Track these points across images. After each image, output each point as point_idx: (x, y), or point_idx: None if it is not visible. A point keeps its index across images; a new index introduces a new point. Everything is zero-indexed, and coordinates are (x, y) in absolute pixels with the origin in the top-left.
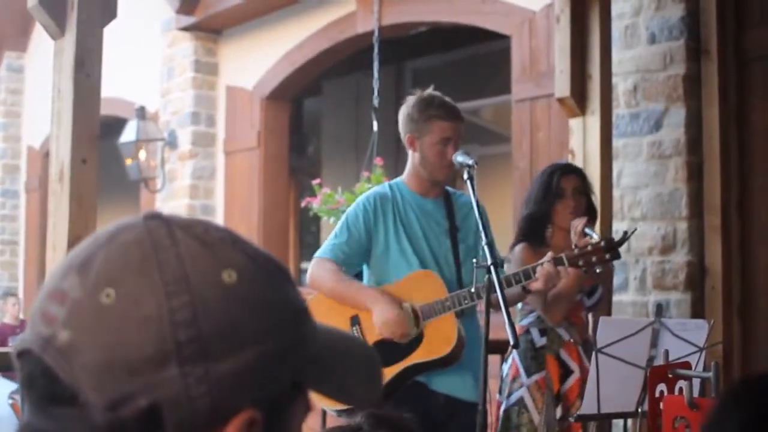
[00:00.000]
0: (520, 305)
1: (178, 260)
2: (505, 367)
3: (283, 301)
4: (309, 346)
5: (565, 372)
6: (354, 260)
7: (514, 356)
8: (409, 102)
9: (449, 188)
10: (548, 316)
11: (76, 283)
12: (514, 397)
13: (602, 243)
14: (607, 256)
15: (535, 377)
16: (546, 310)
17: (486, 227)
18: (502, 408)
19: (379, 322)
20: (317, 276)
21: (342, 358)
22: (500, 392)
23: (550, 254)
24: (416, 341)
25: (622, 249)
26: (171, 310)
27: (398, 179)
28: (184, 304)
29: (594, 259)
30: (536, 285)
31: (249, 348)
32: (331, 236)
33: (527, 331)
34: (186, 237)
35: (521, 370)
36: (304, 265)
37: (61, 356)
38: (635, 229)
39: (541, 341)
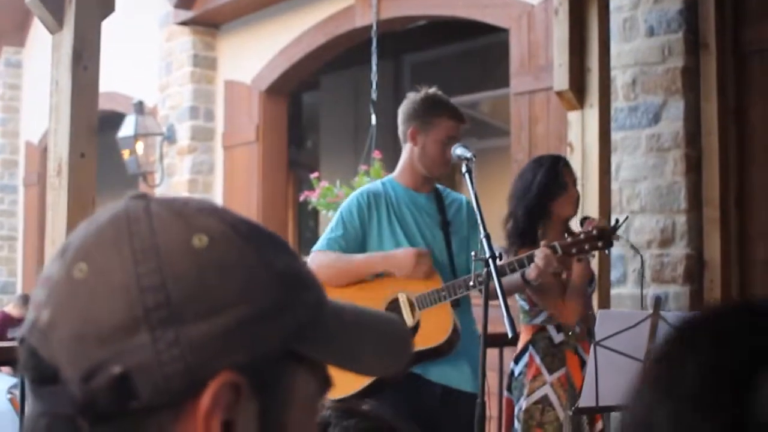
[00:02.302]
0: (527, 306)
1: (150, 231)
2: (519, 365)
3: (266, 264)
4: (302, 312)
5: (583, 365)
6: (350, 253)
7: (531, 354)
8: (415, 97)
9: (438, 186)
10: (563, 317)
11: (57, 265)
12: (536, 395)
13: (595, 231)
14: (600, 243)
15: (557, 374)
16: (561, 310)
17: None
18: (522, 406)
19: (404, 271)
20: (318, 265)
21: (355, 327)
22: (509, 389)
23: (543, 242)
24: (413, 331)
25: (620, 242)
26: (138, 277)
27: (389, 177)
28: (152, 269)
29: (587, 246)
30: (533, 272)
31: (223, 311)
32: (326, 231)
33: (543, 329)
34: (161, 210)
35: (543, 368)
36: (302, 258)
37: (42, 335)
38: (627, 218)
39: (558, 337)
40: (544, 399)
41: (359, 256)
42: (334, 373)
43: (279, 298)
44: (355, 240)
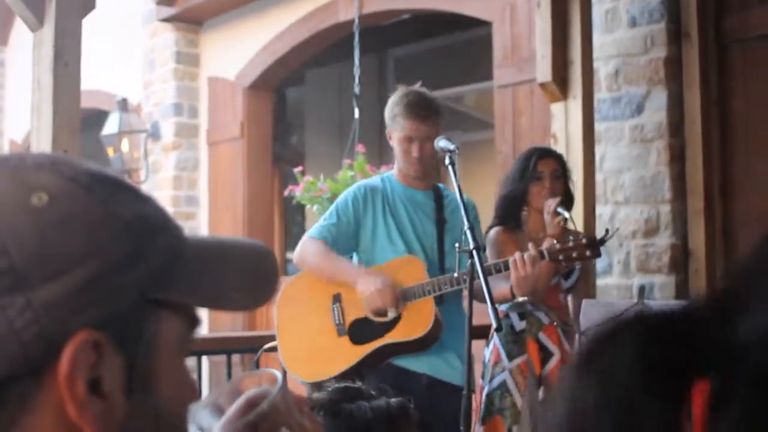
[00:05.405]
0: None
1: None
2: (487, 352)
3: (112, 215)
4: (156, 257)
5: (546, 355)
6: (340, 243)
7: (495, 341)
8: (391, 97)
9: (441, 185)
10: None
11: None
12: (496, 381)
13: (584, 240)
14: (588, 253)
15: (517, 361)
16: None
17: (474, 223)
18: (485, 392)
19: (363, 294)
20: (305, 254)
21: (216, 265)
22: (483, 377)
23: (531, 245)
24: (393, 322)
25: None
26: None
27: (389, 172)
28: None
29: (574, 254)
30: (516, 286)
31: (72, 269)
32: (321, 219)
33: (506, 316)
34: None
35: (503, 355)
36: (289, 254)
37: None
38: (617, 229)
39: (520, 325)
40: (503, 385)
41: (339, 264)
42: (312, 357)
43: (129, 247)
44: (347, 230)
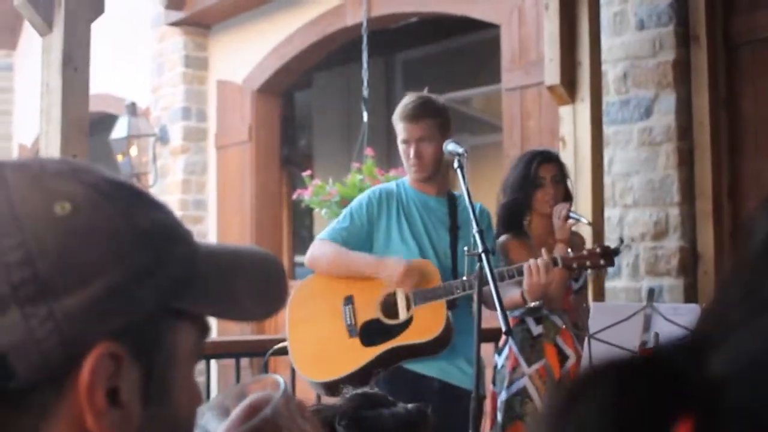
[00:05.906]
0: None
1: (8, 202)
2: (500, 358)
3: (132, 224)
4: (174, 267)
5: (562, 358)
6: (351, 246)
7: (510, 346)
8: None
9: (456, 193)
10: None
11: None
12: (515, 387)
13: (599, 249)
14: (602, 262)
15: (536, 366)
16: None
17: (487, 231)
18: (503, 398)
19: (391, 279)
20: (317, 254)
21: (229, 274)
22: (494, 383)
23: (544, 251)
24: (405, 325)
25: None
26: (2, 253)
27: (404, 178)
28: (16, 244)
29: (588, 263)
30: (529, 292)
31: (95, 279)
32: (333, 222)
33: (522, 321)
34: (17, 176)
35: (521, 360)
36: (298, 258)
37: None
38: (633, 240)
39: (537, 330)
40: (523, 391)
41: (356, 255)
42: (318, 359)
43: (149, 257)
44: (359, 234)
